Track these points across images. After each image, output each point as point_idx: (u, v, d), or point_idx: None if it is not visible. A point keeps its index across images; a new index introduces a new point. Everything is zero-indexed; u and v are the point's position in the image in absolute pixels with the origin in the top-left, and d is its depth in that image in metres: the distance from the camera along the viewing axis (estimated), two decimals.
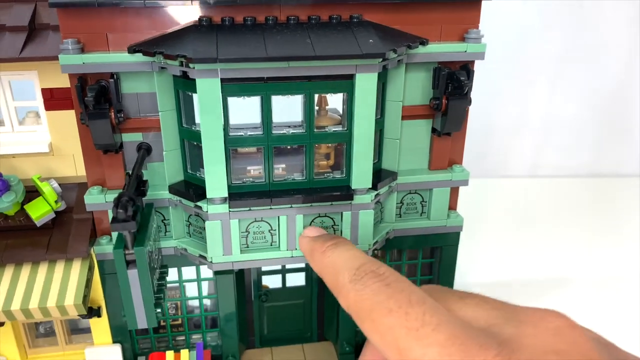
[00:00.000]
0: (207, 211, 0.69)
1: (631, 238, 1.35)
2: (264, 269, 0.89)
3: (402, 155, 0.78)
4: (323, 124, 0.72)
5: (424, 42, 0.69)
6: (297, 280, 0.92)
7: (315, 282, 0.91)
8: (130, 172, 0.64)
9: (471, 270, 1.09)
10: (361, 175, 0.70)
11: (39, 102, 0.74)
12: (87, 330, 0.84)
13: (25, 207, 0.72)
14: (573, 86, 1.67)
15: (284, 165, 0.74)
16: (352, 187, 0.71)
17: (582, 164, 1.75)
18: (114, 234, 0.72)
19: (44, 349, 0.82)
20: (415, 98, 0.75)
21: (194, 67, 0.61)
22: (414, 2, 0.70)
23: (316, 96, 0.71)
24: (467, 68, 0.72)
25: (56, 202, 0.71)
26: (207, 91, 0.63)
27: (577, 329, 0.32)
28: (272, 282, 0.92)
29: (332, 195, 0.70)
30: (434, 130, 0.78)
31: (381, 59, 0.64)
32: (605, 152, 1.76)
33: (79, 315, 0.71)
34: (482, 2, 0.72)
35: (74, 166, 0.77)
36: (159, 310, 0.61)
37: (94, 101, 0.63)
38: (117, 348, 0.80)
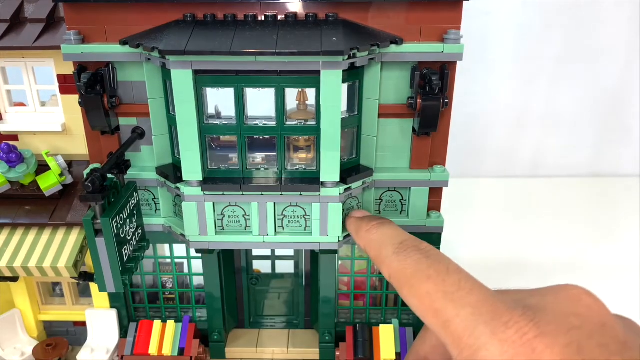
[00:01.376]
0: (184, 192, 0.74)
1: (631, 238, 1.35)
2: (254, 253, 0.94)
3: (385, 153, 0.80)
4: (300, 117, 0.75)
5: (396, 42, 0.70)
6: (286, 268, 0.96)
7: (302, 272, 0.95)
8: (110, 153, 0.71)
9: (470, 271, 1.08)
10: (329, 168, 0.73)
11: (55, 87, 0.84)
12: (91, 294, 0.94)
13: (37, 178, 0.82)
14: (573, 86, 1.66)
15: (263, 155, 0.78)
16: (321, 180, 0.73)
17: (582, 164, 1.75)
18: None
19: (55, 306, 0.92)
20: (394, 97, 0.76)
21: (168, 59, 0.67)
22: (393, 2, 0.71)
23: (297, 91, 0.74)
24: (443, 68, 0.72)
25: (60, 175, 0.80)
26: (181, 81, 0.68)
27: (592, 297, 0.37)
28: (263, 267, 0.96)
29: (300, 186, 0.73)
30: (413, 129, 0.78)
31: (345, 57, 0.67)
32: (605, 152, 1.75)
33: (71, 278, 0.80)
34: (464, 2, 0.72)
35: (84, 145, 0.86)
36: (125, 277, 0.68)
37: (85, 87, 0.70)
38: (114, 312, 0.88)
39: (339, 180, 0.74)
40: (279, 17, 0.71)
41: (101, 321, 0.89)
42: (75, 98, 0.82)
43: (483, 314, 0.34)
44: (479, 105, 1.68)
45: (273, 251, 0.94)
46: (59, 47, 0.76)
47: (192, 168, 0.73)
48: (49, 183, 0.81)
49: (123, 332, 0.90)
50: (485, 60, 1.60)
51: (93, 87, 0.73)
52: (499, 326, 0.33)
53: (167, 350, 0.85)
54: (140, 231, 0.76)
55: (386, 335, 0.87)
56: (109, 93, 0.74)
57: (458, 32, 0.72)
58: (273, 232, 0.77)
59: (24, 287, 0.89)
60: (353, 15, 0.72)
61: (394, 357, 0.85)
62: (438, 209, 0.84)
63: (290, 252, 0.95)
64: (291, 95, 0.74)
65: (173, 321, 0.88)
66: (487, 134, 1.72)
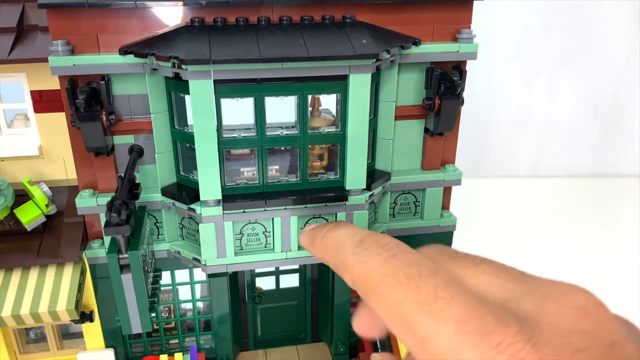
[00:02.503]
0: (200, 214, 0.68)
1: (631, 238, 1.35)
2: (257, 270, 0.89)
3: (395, 155, 0.78)
4: (316, 125, 0.71)
5: (416, 42, 0.69)
6: (291, 281, 0.92)
7: (309, 283, 0.91)
8: (123, 175, 0.64)
9: None
10: (355, 176, 0.70)
11: (28, 105, 0.73)
12: (79, 335, 0.83)
13: (15, 211, 0.71)
14: (573, 86, 1.67)
15: (277, 167, 0.73)
16: (347, 188, 0.71)
17: (582, 164, 1.75)
18: (107, 238, 0.72)
19: (35, 354, 0.81)
20: (408, 98, 0.75)
21: (186, 69, 0.61)
22: (407, 3, 0.70)
23: (309, 97, 0.71)
24: (459, 68, 0.73)
25: (47, 205, 0.70)
26: (199, 93, 0.62)
27: (602, 308, 0.31)
28: (265, 283, 0.92)
29: (327, 197, 0.70)
30: (426, 130, 0.78)
31: (374, 60, 0.64)
32: (605, 152, 1.75)
33: (71, 321, 0.70)
34: (475, 2, 0.72)
35: (64, 169, 0.76)
36: (153, 314, 0.61)
37: (85, 103, 0.62)
38: (110, 353, 0.79)
39: (365, 187, 0.71)
40: (294, 20, 0.67)
41: None
42: (52, 117, 0.73)
43: (469, 332, 0.29)
44: (479, 106, 1.65)
45: (277, 266, 0.90)
46: (36, 60, 0.67)
47: (210, 186, 0.67)
48: (31, 216, 0.70)
49: None
50: (485, 60, 1.54)
51: (90, 103, 0.64)
52: (490, 350, 0.28)
53: None
54: (154, 260, 0.69)
55: None
56: (107, 109, 0.66)
57: (470, 32, 0.72)
58: (296, 247, 0.73)
59: (0, 337, 0.77)
60: (369, 17, 0.69)
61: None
62: (448, 207, 0.85)
63: (296, 265, 0.91)
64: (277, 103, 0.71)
65: (181, 354, 0.81)
66: (488, 134, 1.69)
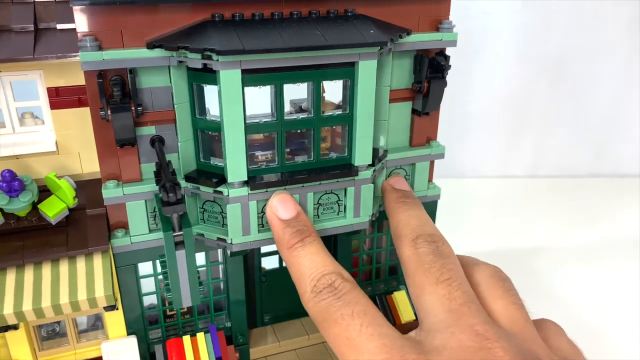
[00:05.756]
0: (228, 195, 0.73)
1: (631, 238, 1.35)
2: (262, 250, 0.95)
3: (388, 134, 0.87)
4: (324, 109, 0.79)
5: (409, 32, 0.79)
6: None
7: None
8: (158, 163, 0.68)
9: None
10: (363, 153, 0.78)
11: (42, 102, 0.74)
12: (92, 329, 0.85)
13: (39, 206, 0.72)
14: (573, 86, 1.65)
15: (288, 150, 0.80)
16: (355, 164, 0.79)
17: (582, 164, 1.74)
18: (134, 225, 0.75)
19: (54, 350, 0.82)
20: (399, 83, 0.85)
21: (217, 60, 0.66)
22: None
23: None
24: (443, 54, 0.83)
25: (74, 198, 0.72)
26: (229, 82, 0.68)
27: (489, 351, 0.38)
28: (269, 263, 0.98)
29: (340, 173, 0.78)
30: (414, 111, 0.88)
31: (380, 47, 0.73)
32: (605, 152, 1.75)
33: (104, 308, 0.73)
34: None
35: (80, 164, 0.78)
36: (201, 288, 0.66)
37: (121, 95, 0.65)
38: (133, 339, 0.82)
39: (371, 163, 0.80)
40: (302, 14, 0.74)
41: (120, 352, 0.82)
42: (68, 113, 0.75)
43: None
44: (479, 105, 1.64)
45: None
46: (60, 57, 0.69)
47: (237, 169, 0.72)
48: (57, 209, 0.72)
49: (148, 359, 0.84)
50: (485, 60, 1.55)
51: (124, 95, 0.67)
52: None
53: None
54: None
55: (401, 300, 0.96)
56: (135, 101, 0.69)
57: (450, 22, 0.83)
58: (312, 221, 0.80)
59: (24, 335, 0.77)
60: (366, 11, 0.78)
61: (414, 318, 0.94)
62: (432, 179, 0.95)
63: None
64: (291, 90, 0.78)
65: (203, 333, 0.85)
66: (488, 134, 1.68)
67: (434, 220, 0.97)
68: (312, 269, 0.50)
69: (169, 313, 0.88)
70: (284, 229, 0.57)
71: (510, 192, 1.59)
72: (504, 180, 1.68)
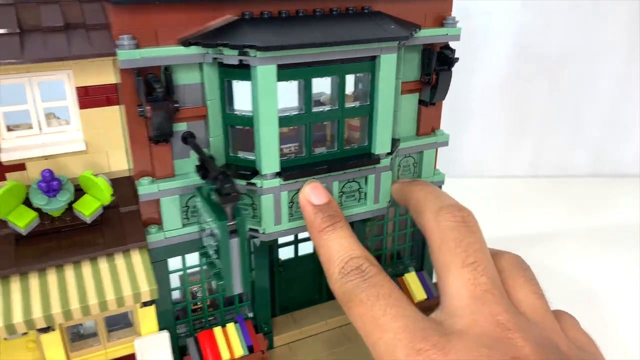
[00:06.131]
0: (262, 187, 0.76)
1: (631, 238, 1.34)
2: (280, 241, 0.98)
3: (398, 124, 0.93)
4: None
5: (420, 28, 0.84)
6: (307, 248, 1.02)
7: None
8: (201, 158, 0.70)
9: None
10: (383, 142, 0.83)
11: (69, 101, 0.74)
12: (121, 327, 0.86)
13: (74, 205, 0.72)
14: (573, 86, 1.65)
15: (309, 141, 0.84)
16: (376, 153, 0.83)
17: (582, 164, 1.74)
18: (168, 221, 0.77)
19: (85, 350, 0.82)
20: (408, 75, 0.90)
21: (254, 56, 0.69)
22: None
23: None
24: (448, 47, 0.89)
25: (111, 195, 0.73)
26: (265, 77, 0.71)
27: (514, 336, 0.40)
28: (285, 253, 1.01)
29: (364, 161, 0.82)
30: (420, 102, 0.93)
31: (399, 42, 0.78)
32: (605, 152, 1.74)
33: (144, 303, 0.74)
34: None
35: (107, 163, 0.78)
36: (250, 273, 0.68)
37: (164, 92, 0.67)
38: (165, 334, 0.83)
39: (390, 151, 0.85)
40: (325, 11, 0.78)
41: (152, 347, 0.83)
42: (96, 112, 0.76)
43: (402, 339, 0.40)
44: (479, 105, 1.64)
45: (296, 236, 0.99)
46: (96, 55, 0.70)
47: (271, 161, 0.75)
48: (93, 208, 0.73)
49: (177, 353, 0.85)
50: (485, 60, 1.55)
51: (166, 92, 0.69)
52: (412, 352, 0.40)
53: (239, 352, 0.85)
54: None
55: (412, 282, 1.01)
56: (173, 99, 0.71)
57: (454, 17, 0.89)
58: None
59: (58, 337, 0.77)
60: (381, 8, 0.82)
61: (426, 297, 1.00)
62: (436, 166, 1.01)
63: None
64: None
65: (232, 323, 0.87)
66: (488, 134, 1.68)
67: None
68: (340, 251, 0.51)
69: (193, 307, 0.89)
70: (316, 214, 0.59)
71: (510, 192, 1.58)
72: (504, 180, 1.67)
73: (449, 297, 0.43)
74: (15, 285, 0.68)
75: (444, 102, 0.96)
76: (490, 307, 0.41)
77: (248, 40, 0.68)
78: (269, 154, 0.75)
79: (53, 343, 0.77)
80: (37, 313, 0.66)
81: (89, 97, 0.74)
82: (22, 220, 0.69)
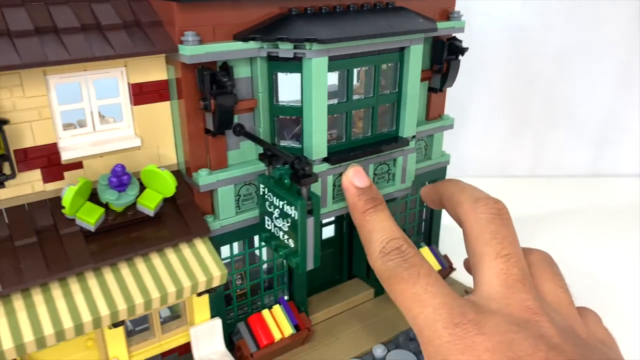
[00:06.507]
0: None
1: (631, 238, 1.34)
2: None
3: None
4: (361, 91, 0.90)
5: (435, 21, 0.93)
6: (328, 232, 1.08)
7: (346, 230, 1.08)
8: (266, 147, 0.74)
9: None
10: (410, 126, 0.91)
11: (122, 99, 0.76)
12: (170, 319, 0.87)
13: (138, 200, 0.74)
14: (572, 86, 1.67)
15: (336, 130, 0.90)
16: (404, 136, 0.91)
17: (582, 164, 1.75)
18: (224, 209, 0.80)
19: (142, 344, 0.83)
20: (423, 65, 0.98)
21: (309, 49, 0.74)
22: None
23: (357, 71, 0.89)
24: (455, 39, 0.98)
25: (176, 187, 0.75)
26: (318, 68, 0.76)
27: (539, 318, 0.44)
28: None
29: (396, 145, 0.89)
30: (430, 89, 1.02)
31: (426, 33, 0.86)
32: (605, 152, 1.76)
33: (211, 289, 0.77)
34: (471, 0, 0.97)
35: (158, 157, 0.80)
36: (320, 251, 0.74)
37: (232, 86, 0.70)
38: (218, 321, 0.86)
39: (414, 135, 0.93)
40: (356, 7, 0.84)
41: (205, 335, 0.86)
42: (148, 108, 0.77)
43: (441, 314, 0.43)
44: (478, 105, 1.64)
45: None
46: (157, 52, 0.72)
47: (320, 147, 0.81)
48: (156, 201, 0.75)
49: (229, 337, 0.88)
50: (484, 60, 1.55)
51: (219, 87, 0.72)
52: (450, 325, 0.43)
53: (288, 331, 0.89)
54: None
55: (427, 255, 1.10)
56: (234, 92, 0.74)
57: (459, 11, 0.99)
58: None
59: (122, 332, 0.78)
60: (401, 3, 0.90)
61: (440, 267, 1.09)
62: (442, 148, 1.11)
63: (332, 217, 1.07)
64: None
65: (278, 305, 0.92)
66: (487, 134, 1.69)
67: None
68: (381, 232, 0.54)
69: (238, 293, 0.93)
70: (359, 196, 0.61)
71: (510, 192, 1.48)
72: (504, 180, 1.68)
73: (482, 284, 0.47)
74: (92, 281, 0.69)
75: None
76: (520, 295, 0.45)
77: (306, 34, 0.73)
78: (319, 141, 0.80)
79: (117, 339, 0.78)
80: (121, 305, 0.67)
81: (142, 94, 0.75)
82: (92, 217, 0.70)
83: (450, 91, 1.05)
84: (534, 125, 1.74)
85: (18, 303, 0.64)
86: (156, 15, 0.75)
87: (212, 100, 0.72)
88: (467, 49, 0.96)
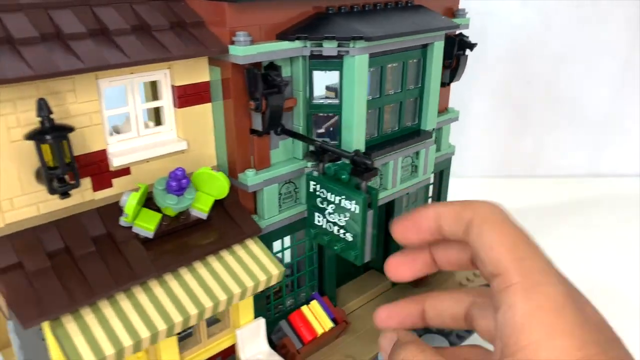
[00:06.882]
0: None
1: (631, 238, 1.34)
2: None
3: None
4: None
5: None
6: None
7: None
8: (318, 144, 0.75)
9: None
10: (431, 119, 0.95)
11: (165, 101, 0.74)
12: (212, 323, 0.86)
13: (192, 203, 0.73)
14: (572, 86, 1.67)
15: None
16: (426, 129, 0.95)
17: (582, 164, 1.75)
18: (269, 208, 0.81)
19: (189, 351, 0.81)
20: None
21: (353, 46, 0.76)
22: None
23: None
24: (462, 35, 1.03)
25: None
26: (360, 66, 0.78)
27: None
28: None
29: (421, 137, 0.93)
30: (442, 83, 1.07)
31: (446, 30, 0.90)
32: (605, 152, 1.76)
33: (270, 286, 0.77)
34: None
35: (201, 160, 0.79)
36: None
37: (286, 85, 0.71)
38: (262, 321, 0.86)
39: (435, 127, 0.97)
40: (382, 5, 0.87)
41: (250, 336, 0.85)
42: (192, 110, 0.77)
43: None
44: (478, 105, 1.64)
45: None
46: (219, 52, 0.71)
47: (359, 142, 0.83)
48: (209, 204, 0.74)
49: (272, 335, 0.89)
50: (484, 60, 1.54)
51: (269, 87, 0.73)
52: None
53: (328, 325, 0.91)
54: None
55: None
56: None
57: (464, 9, 1.04)
58: (399, 182, 0.94)
59: (174, 339, 0.76)
60: (418, 1, 0.94)
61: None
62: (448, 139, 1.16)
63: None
64: None
65: (315, 301, 0.93)
66: (488, 134, 1.69)
67: (449, 173, 1.17)
68: None
69: (274, 291, 0.93)
70: None
71: (510, 192, 1.56)
72: (504, 180, 1.68)
73: None
74: (157, 289, 0.67)
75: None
76: None
77: (353, 32, 0.75)
78: (358, 136, 0.82)
79: (170, 346, 0.76)
80: (192, 310, 0.66)
81: (186, 96, 0.74)
82: (152, 223, 0.68)
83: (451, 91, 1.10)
84: (533, 125, 1.74)
85: (89, 317, 0.62)
86: (196, 16, 0.74)
87: (263, 100, 0.72)
88: (475, 44, 1.02)
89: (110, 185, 0.70)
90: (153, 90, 0.79)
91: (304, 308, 0.91)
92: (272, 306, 0.93)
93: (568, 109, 1.71)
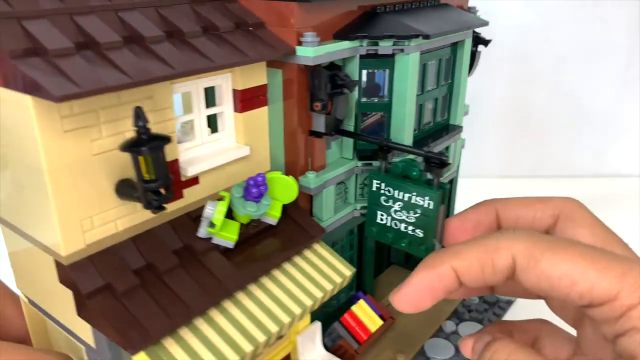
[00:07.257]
0: None
1: (631, 238, 1.36)
2: None
3: None
4: None
5: None
6: None
7: None
8: (382, 142, 0.75)
9: None
10: (460, 114, 0.98)
11: (226, 106, 0.71)
12: None
13: None
14: (574, 86, 1.67)
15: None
16: (455, 124, 0.98)
17: (583, 164, 1.75)
18: (326, 209, 0.80)
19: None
20: None
21: (408, 44, 0.77)
22: None
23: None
24: (475, 32, 1.07)
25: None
26: (414, 63, 0.79)
27: None
28: None
29: (454, 131, 0.96)
30: None
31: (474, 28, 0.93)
32: (606, 152, 1.76)
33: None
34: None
35: (257, 164, 0.77)
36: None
37: (354, 84, 0.71)
38: (318, 325, 0.85)
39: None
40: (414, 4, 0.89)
41: (308, 340, 0.84)
42: (252, 114, 0.75)
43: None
44: (478, 105, 1.52)
45: None
46: (288, 54, 0.69)
47: (409, 139, 0.84)
48: (280, 209, 0.72)
49: (327, 337, 0.88)
50: (485, 60, 1.39)
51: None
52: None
53: (378, 322, 0.91)
54: None
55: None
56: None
57: (475, 7, 1.07)
58: None
59: None
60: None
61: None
62: None
63: None
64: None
65: (362, 300, 0.93)
66: (488, 133, 1.68)
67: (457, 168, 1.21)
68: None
69: None
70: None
71: (511, 193, 1.60)
72: (505, 180, 1.68)
73: None
74: (246, 301, 0.65)
75: None
76: None
77: (411, 30, 0.75)
78: (409, 132, 0.83)
79: None
80: (285, 319, 0.65)
81: (247, 100, 0.72)
82: (233, 232, 0.66)
83: None
84: (536, 125, 1.74)
85: (188, 337, 0.59)
86: (254, 17, 0.72)
87: (328, 99, 0.71)
88: (490, 40, 1.06)
89: (181, 196, 0.67)
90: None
91: (354, 308, 0.91)
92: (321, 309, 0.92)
93: (571, 109, 1.71)
